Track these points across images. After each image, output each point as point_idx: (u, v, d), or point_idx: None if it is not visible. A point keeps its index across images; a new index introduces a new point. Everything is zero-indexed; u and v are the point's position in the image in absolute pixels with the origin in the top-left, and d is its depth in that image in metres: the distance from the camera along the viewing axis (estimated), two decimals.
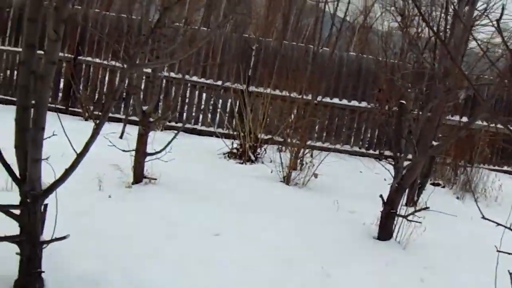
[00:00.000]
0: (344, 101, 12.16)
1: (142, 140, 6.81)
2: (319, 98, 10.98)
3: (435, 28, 7.46)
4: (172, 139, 6.91)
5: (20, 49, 4.05)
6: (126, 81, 11.22)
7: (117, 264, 4.53)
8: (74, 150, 3.71)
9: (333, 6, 21.04)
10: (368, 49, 20.67)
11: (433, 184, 9.58)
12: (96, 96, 12.08)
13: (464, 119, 11.75)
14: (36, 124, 3.49)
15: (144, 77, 8.89)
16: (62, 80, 12.18)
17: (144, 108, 6.72)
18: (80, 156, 3.70)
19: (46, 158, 3.80)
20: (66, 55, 11.88)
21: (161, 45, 6.11)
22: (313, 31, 22.51)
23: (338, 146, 11.87)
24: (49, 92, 3.55)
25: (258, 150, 9.72)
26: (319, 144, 11.70)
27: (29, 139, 3.54)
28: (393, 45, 11.38)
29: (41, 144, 3.57)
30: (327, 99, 11.94)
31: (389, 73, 9.16)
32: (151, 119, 6.90)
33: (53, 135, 3.76)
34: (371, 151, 12.23)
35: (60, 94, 12.20)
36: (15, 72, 12.18)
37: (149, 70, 8.78)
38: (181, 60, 11.22)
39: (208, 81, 12.01)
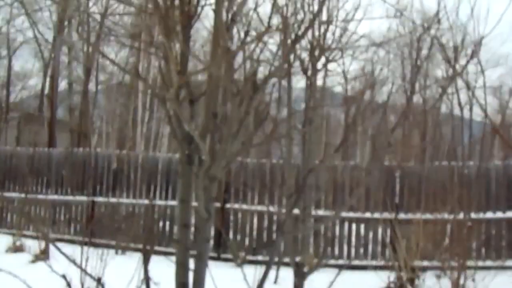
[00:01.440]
0: (499, 214, 11.59)
1: None
2: (471, 215, 10.54)
3: None
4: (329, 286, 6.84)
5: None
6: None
7: None
8: None
9: (460, 108, 20.68)
10: None
11: None
12: (247, 242, 12.30)
13: None
14: None
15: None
16: (212, 228, 12.58)
17: (297, 259, 6.74)
18: None
19: None
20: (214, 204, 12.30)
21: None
22: (452, 142, 22.09)
23: (499, 263, 11.18)
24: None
25: (416, 281, 9.33)
26: (480, 263, 11.05)
27: None
28: None
29: None
30: (480, 215, 11.43)
31: None
32: (305, 270, 6.86)
33: None
34: None
35: (212, 242, 12.57)
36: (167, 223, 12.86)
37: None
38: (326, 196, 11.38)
39: (356, 215, 11.95)
